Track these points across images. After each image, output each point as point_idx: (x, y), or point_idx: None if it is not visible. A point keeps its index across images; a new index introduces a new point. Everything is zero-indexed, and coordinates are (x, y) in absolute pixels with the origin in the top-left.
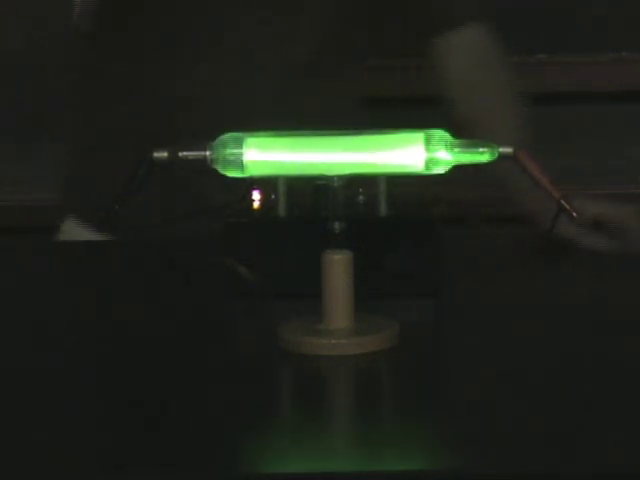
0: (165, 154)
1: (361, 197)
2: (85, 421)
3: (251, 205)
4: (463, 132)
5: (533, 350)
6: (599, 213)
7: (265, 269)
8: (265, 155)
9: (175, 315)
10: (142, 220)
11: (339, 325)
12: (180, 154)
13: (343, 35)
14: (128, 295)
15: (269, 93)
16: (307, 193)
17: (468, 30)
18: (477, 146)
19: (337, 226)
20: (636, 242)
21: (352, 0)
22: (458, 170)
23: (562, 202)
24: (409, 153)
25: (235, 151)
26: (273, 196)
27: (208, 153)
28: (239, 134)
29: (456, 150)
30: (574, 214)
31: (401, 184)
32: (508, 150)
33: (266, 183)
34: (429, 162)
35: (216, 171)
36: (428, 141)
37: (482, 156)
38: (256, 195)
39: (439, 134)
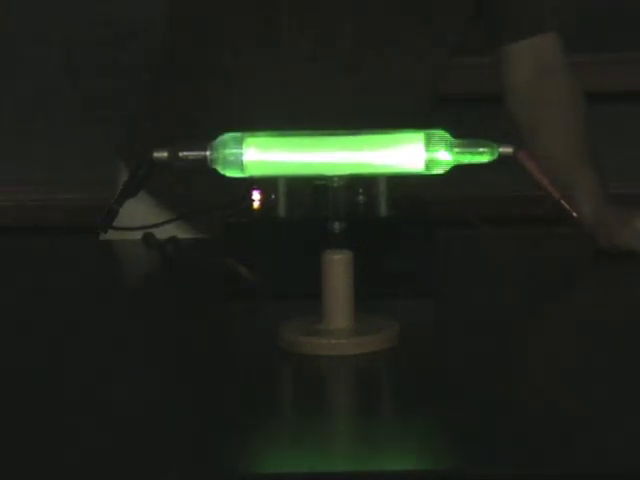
0: (165, 154)
1: (361, 197)
2: (85, 421)
3: (251, 205)
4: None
5: (533, 350)
6: None
7: (265, 269)
8: (265, 155)
9: (175, 315)
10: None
11: (339, 325)
12: (180, 154)
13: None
14: (128, 295)
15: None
16: (307, 193)
17: (538, 38)
18: (477, 146)
19: (337, 226)
20: None
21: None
22: (458, 170)
23: (562, 202)
24: (409, 153)
25: (235, 151)
26: (273, 196)
27: (208, 153)
28: (239, 134)
29: (456, 150)
30: (574, 214)
31: (401, 184)
32: (508, 150)
33: (266, 183)
34: (429, 162)
35: (216, 171)
36: (428, 141)
37: (482, 156)
38: (256, 195)
39: (439, 134)
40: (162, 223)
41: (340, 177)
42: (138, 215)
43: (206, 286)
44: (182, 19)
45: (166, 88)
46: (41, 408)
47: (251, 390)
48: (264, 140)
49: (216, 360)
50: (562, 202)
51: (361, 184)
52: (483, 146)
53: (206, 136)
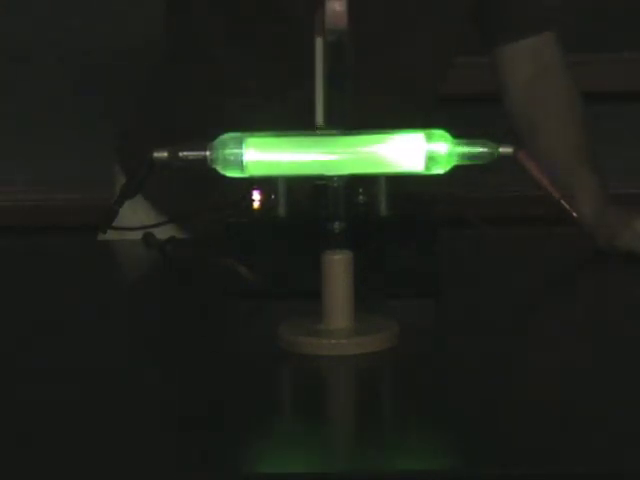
0: (165, 154)
1: (361, 197)
2: (83, 421)
3: (251, 205)
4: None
5: (533, 350)
6: None
7: (265, 269)
8: (265, 155)
9: (175, 315)
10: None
11: (339, 325)
12: (180, 154)
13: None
14: (128, 295)
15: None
16: (307, 193)
17: (537, 38)
18: (477, 146)
19: (337, 226)
20: None
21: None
22: (458, 170)
23: (562, 202)
24: (409, 153)
25: (235, 151)
26: (273, 196)
27: (208, 153)
28: (239, 134)
29: (456, 150)
30: (574, 214)
31: (401, 184)
32: (508, 150)
33: (266, 183)
34: (429, 162)
35: (216, 171)
36: (428, 141)
37: (482, 156)
38: (256, 195)
39: (439, 134)
40: (162, 223)
41: (340, 177)
42: (138, 215)
43: (206, 286)
44: (180, 20)
45: (164, 89)
46: (41, 408)
47: (251, 390)
48: (264, 140)
49: (216, 360)
50: (562, 202)
51: (361, 184)
52: (483, 146)
53: (206, 136)
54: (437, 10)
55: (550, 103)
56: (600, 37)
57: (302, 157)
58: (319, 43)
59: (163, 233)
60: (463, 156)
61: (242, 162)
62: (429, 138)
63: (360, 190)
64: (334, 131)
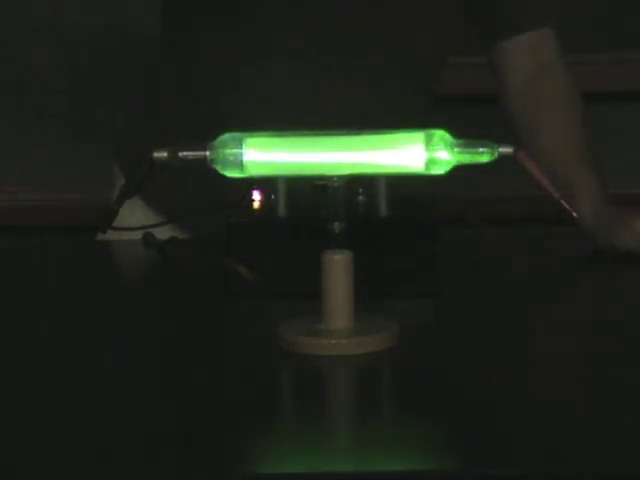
0: (165, 154)
1: (361, 197)
2: (83, 421)
3: (251, 205)
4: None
5: (533, 350)
6: None
7: (265, 269)
8: (265, 155)
9: (175, 315)
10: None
11: (339, 325)
12: (180, 154)
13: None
14: (128, 295)
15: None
16: (307, 193)
17: (535, 34)
18: (477, 146)
19: (337, 226)
20: None
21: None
22: (458, 170)
23: (562, 202)
24: (409, 153)
25: (235, 151)
26: (273, 196)
27: (208, 153)
28: (239, 134)
29: (456, 150)
30: (574, 214)
31: (401, 184)
32: (508, 150)
33: (266, 183)
34: (429, 162)
35: (216, 171)
36: (428, 141)
37: (482, 156)
38: (256, 195)
39: (439, 134)
40: (162, 223)
41: (340, 177)
42: (137, 215)
43: (206, 286)
44: (177, 19)
45: (163, 89)
46: (40, 408)
47: (251, 390)
48: (264, 140)
49: (216, 360)
50: (562, 202)
51: (361, 184)
52: (483, 146)
53: (205, 136)
54: (434, 8)
55: (549, 103)
56: (600, 37)
57: (302, 157)
58: None
59: (163, 233)
60: (463, 156)
61: (242, 162)
62: (429, 138)
63: (360, 190)
64: (334, 131)
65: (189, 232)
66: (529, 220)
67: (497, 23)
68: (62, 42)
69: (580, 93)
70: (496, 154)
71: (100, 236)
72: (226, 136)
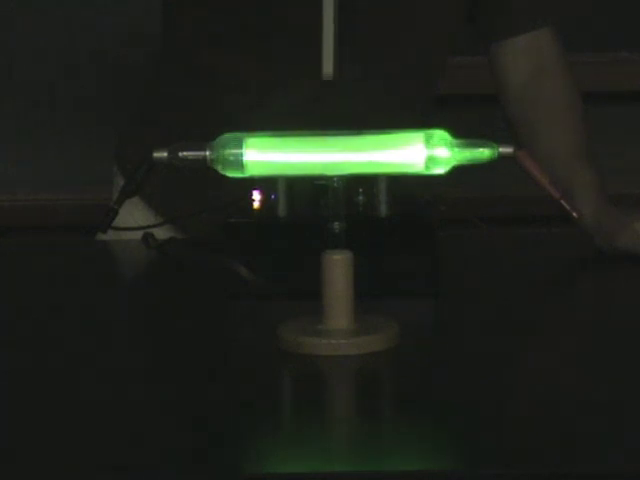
0: (165, 154)
1: (361, 197)
2: (83, 421)
3: (251, 205)
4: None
5: (533, 350)
6: None
7: (265, 269)
8: (265, 155)
9: (175, 315)
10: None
11: (339, 325)
12: (180, 154)
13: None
14: (128, 295)
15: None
16: (307, 193)
17: (535, 34)
18: (477, 146)
19: (337, 226)
20: None
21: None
22: (458, 170)
23: (562, 202)
24: (409, 153)
25: (235, 151)
26: (273, 196)
27: (208, 153)
28: (239, 134)
29: (456, 150)
30: (574, 214)
31: (401, 184)
32: (508, 150)
33: (266, 183)
34: (429, 162)
35: (216, 171)
36: (428, 141)
37: (482, 156)
38: (256, 195)
39: (439, 134)
40: (162, 223)
41: (340, 177)
42: (137, 215)
43: (206, 286)
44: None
45: (163, 90)
46: (40, 408)
47: (251, 390)
48: (264, 140)
49: (216, 360)
50: (562, 202)
51: (361, 184)
52: (483, 146)
53: (205, 137)
54: (432, 8)
55: (549, 103)
56: (600, 37)
57: (302, 157)
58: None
59: (163, 233)
60: (463, 156)
61: (242, 162)
62: (429, 138)
63: (360, 190)
64: (334, 131)
65: (189, 232)
66: (529, 220)
67: (496, 24)
68: (62, 42)
69: (580, 93)
70: (496, 154)
71: (100, 236)
72: (226, 136)
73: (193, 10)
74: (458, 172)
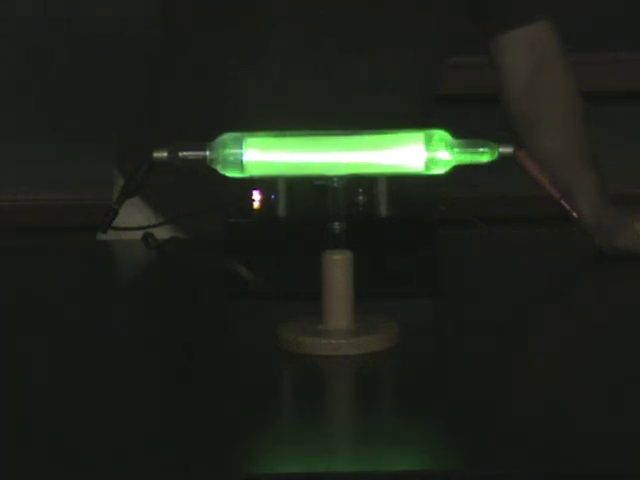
0: (165, 154)
1: (361, 197)
2: (83, 421)
3: (251, 205)
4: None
5: (533, 350)
6: None
7: (265, 269)
8: (265, 155)
9: (175, 315)
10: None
11: (339, 325)
12: (180, 154)
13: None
14: (128, 295)
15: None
16: (307, 193)
17: (533, 28)
18: (477, 146)
19: (337, 226)
20: None
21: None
22: (458, 170)
23: (562, 202)
24: (409, 153)
25: (235, 151)
26: (273, 196)
27: (208, 153)
28: (239, 134)
29: (456, 150)
30: (574, 214)
31: (401, 184)
32: (508, 150)
33: (266, 183)
34: (429, 162)
35: (216, 171)
36: (428, 141)
37: (482, 156)
38: (256, 195)
39: (439, 134)
40: (162, 223)
41: (340, 177)
42: (137, 215)
43: (206, 286)
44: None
45: (163, 90)
46: (40, 408)
47: (251, 390)
48: (264, 140)
49: (216, 360)
50: (562, 202)
51: (361, 184)
52: (483, 146)
53: (205, 137)
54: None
55: (549, 102)
56: (600, 37)
57: (302, 157)
58: None
59: (163, 233)
60: (463, 156)
61: (242, 162)
62: (429, 138)
63: (360, 190)
64: (334, 131)
65: (189, 232)
66: (529, 220)
67: (495, 18)
68: (62, 42)
69: (580, 89)
70: (496, 154)
71: (100, 236)
72: (226, 136)
73: (192, 10)
74: (458, 172)
